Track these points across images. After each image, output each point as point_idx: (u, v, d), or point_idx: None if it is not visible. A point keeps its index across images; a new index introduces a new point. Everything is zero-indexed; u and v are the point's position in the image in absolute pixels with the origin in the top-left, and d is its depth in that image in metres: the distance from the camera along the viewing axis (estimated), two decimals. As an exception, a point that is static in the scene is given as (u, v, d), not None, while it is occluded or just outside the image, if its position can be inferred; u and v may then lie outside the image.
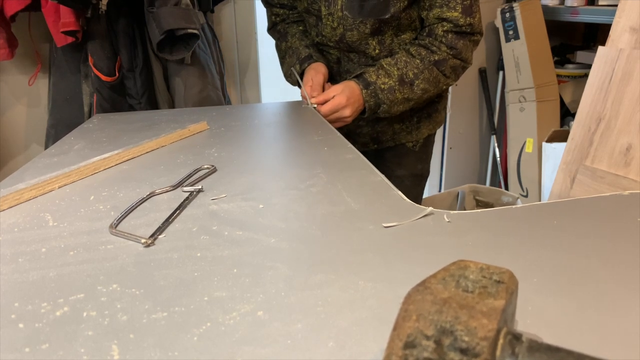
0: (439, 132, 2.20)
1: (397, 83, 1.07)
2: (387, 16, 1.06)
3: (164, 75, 1.67)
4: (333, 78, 1.21)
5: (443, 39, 1.07)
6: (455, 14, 1.04)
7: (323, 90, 1.12)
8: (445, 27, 1.06)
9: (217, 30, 1.93)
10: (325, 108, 1.06)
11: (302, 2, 1.15)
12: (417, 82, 1.08)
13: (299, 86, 1.18)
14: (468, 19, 1.05)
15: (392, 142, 1.28)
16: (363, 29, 1.08)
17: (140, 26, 1.60)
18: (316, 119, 1.03)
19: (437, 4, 1.06)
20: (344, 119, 1.08)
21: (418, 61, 1.08)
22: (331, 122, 1.03)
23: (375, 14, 1.06)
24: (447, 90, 1.26)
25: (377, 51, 1.13)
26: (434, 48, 1.08)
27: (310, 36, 1.22)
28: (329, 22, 1.11)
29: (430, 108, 1.26)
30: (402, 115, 1.20)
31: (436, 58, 1.08)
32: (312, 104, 1.09)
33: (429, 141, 1.33)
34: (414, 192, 1.36)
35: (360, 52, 1.14)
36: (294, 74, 1.18)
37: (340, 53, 1.17)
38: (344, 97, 1.06)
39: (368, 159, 0.77)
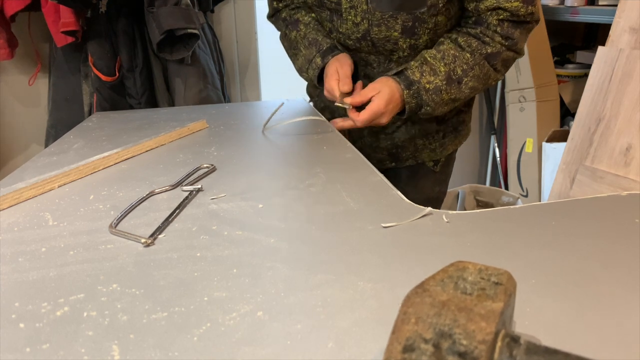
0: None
1: (444, 82, 0.91)
2: (422, 9, 0.89)
3: (164, 75, 1.67)
4: None
5: (498, 29, 0.90)
6: (516, 3, 0.87)
7: (353, 83, 0.95)
8: (501, 16, 0.89)
9: (217, 30, 1.93)
10: (362, 117, 0.89)
11: None
12: (465, 79, 0.92)
13: (318, 83, 1.02)
14: (530, 7, 0.88)
15: (413, 161, 1.12)
16: (393, 24, 0.92)
17: (140, 26, 1.60)
18: (316, 118, 1.03)
19: None
20: (377, 125, 0.94)
21: (468, 55, 0.91)
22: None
23: (408, 7, 0.89)
24: (474, 98, 1.11)
25: (406, 53, 0.96)
26: (487, 39, 0.91)
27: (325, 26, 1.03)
28: (350, 17, 0.94)
29: (456, 119, 1.11)
30: (426, 129, 1.07)
31: (489, 51, 0.91)
32: (345, 103, 0.91)
33: (450, 159, 1.18)
34: None
35: (386, 53, 0.98)
36: (312, 68, 1.00)
37: (358, 56, 1.01)
38: (383, 102, 0.89)
39: None
